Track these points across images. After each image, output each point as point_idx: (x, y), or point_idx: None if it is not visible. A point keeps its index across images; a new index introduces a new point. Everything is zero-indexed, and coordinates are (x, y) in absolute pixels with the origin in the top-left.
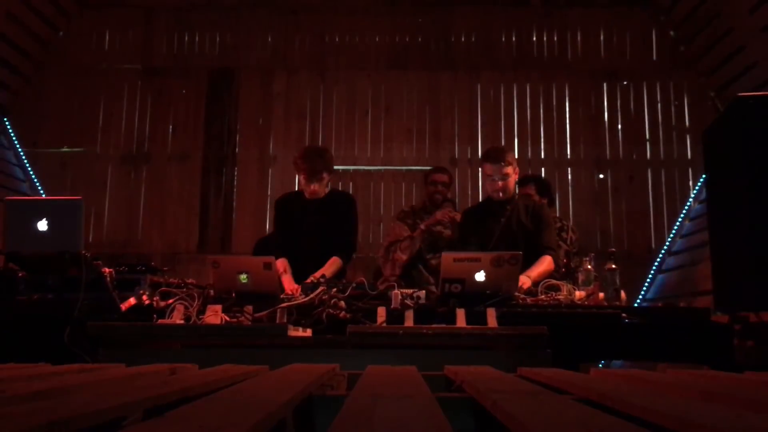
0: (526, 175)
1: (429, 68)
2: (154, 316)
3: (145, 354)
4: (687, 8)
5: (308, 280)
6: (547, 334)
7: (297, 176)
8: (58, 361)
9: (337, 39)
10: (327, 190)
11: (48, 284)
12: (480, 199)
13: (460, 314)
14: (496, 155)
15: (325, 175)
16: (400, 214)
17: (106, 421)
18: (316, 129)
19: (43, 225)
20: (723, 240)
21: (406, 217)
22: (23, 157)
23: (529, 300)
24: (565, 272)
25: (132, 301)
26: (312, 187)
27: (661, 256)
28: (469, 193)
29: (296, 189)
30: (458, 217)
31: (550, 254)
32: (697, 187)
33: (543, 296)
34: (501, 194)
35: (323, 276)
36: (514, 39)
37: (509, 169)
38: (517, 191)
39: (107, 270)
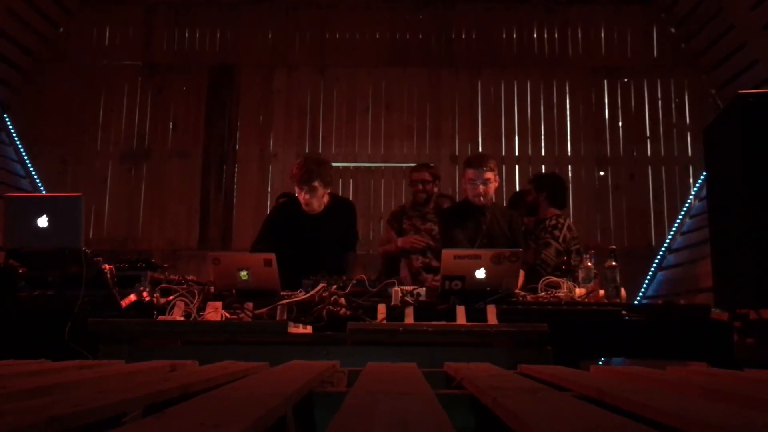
0: (540, 173)
1: (429, 65)
2: (155, 312)
3: (145, 351)
4: (688, 5)
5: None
6: (548, 331)
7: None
8: (59, 358)
9: (337, 36)
10: (324, 202)
11: (48, 281)
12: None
13: (461, 311)
14: (478, 161)
15: (317, 184)
16: (390, 216)
17: (106, 418)
18: (316, 126)
19: (43, 222)
20: (723, 237)
21: (393, 220)
22: (23, 154)
23: (529, 297)
24: (566, 269)
25: (132, 297)
26: (303, 196)
27: (661, 253)
28: None
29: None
30: (432, 243)
31: (524, 269)
32: (697, 185)
33: (543, 293)
34: (482, 198)
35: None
36: (514, 36)
37: (491, 175)
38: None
39: (107, 267)
